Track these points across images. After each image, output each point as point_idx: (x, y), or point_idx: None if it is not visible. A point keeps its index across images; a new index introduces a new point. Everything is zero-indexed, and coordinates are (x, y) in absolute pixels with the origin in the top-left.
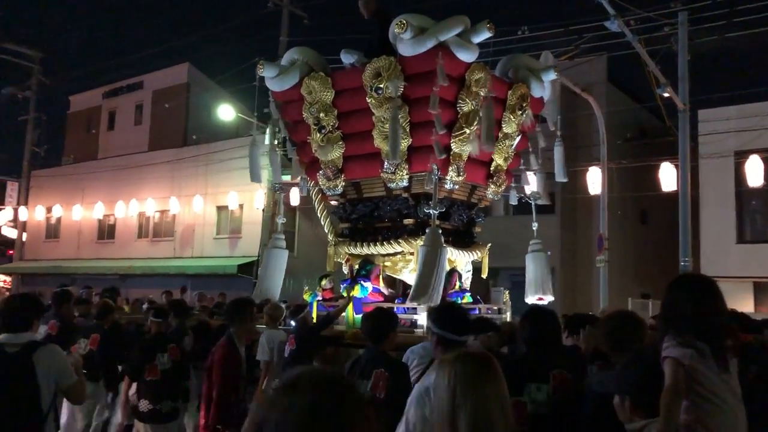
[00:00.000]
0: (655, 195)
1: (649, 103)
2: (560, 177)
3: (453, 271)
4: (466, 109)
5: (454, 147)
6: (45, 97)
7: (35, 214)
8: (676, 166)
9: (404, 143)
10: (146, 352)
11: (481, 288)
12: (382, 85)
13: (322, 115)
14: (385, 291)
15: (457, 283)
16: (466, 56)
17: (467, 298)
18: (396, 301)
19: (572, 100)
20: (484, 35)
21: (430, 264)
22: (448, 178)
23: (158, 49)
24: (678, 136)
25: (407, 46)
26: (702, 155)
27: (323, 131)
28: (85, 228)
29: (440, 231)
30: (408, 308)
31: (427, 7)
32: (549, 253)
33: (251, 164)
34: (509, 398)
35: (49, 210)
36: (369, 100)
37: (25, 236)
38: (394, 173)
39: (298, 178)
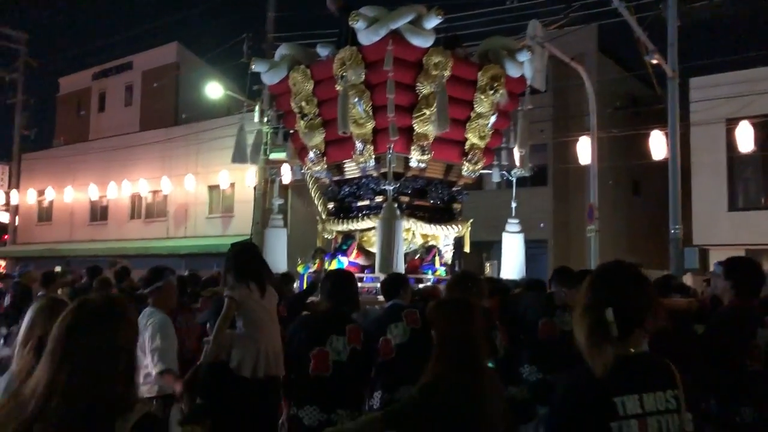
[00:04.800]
0: (647, 165)
1: (640, 71)
2: (522, 145)
3: (432, 247)
4: (425, 91)
5: (417, 127)
6: (33, 79)
7: (27, 197)
8: (667, 135)
9: (369, 126)
10: None
11: (474, 261)
12: (345, 74)
13: (303, 104)
14: (361, 262)
15: (436, 258)
16: (421, 42)
17: (441, 272)
18: (365, 272)
19: (563, 70)
20: (434, 21)
21: (387, 235)
22: (413, 157)
23: (146, 27)
24: (668, 103)
25: (363, 36)
26: (693, 123)
27: (306, 118)
28: (78, 210)
29: (396, 205)
30: (375, 278)
31: None
32: (542, 225)
33: (236, 146)
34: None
35: (41, 193)
36: (338, 88)
37: (17, 220)
38: (362, 154)
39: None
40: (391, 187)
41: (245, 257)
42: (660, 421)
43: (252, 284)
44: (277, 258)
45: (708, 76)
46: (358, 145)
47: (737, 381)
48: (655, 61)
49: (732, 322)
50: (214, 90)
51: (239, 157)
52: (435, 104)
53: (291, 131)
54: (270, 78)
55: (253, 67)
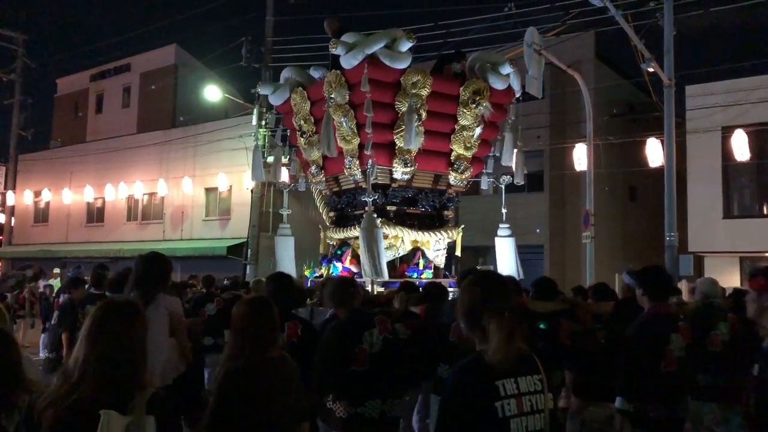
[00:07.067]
0: (643, 171)
1: (637, 79)
2: (506, 161)
3: (416, 250)
4: (404, 109)
5: (398, 142)
6: (31, 80)
7: (23, 198)
8: (663, 142)
9: (355, 142)
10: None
11: (470, 266)
12: (333, 95)
13: (302, 122)
14: (353, 268)
15: (421, 261)
16: (397, 64)
17: (427, 274)
18: (355, 276)
19: (560, 77)
20: (407, 45)
21: (368, 243)
22: (397, 169)
23: (145, 29)
24: (664, 111)
25: (344, 61)
26: (689, 131)
27: (305, 136)
28: (74, 211)
29: (384, 214)
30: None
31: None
32: (538, 230)
33: (254, 165)
34: None
35: (37, 194)
36: (327, 108)
37: (13, 221)
38: (350, 168)
39: (294, 174)
40: (370, 199)
41: (143, 269)
42: (531, 400)
43: (135, 294)
44: (286, 264)
45: (704, 84)
46: (347, 159)
47: (652, 381)
48: (651, 69)
49: (649, 328)
50: (213, 93)
51: (257, 175)
52: (409, 122)
53: (295, 147)
54: (275, 99)
55: (259, 90)
